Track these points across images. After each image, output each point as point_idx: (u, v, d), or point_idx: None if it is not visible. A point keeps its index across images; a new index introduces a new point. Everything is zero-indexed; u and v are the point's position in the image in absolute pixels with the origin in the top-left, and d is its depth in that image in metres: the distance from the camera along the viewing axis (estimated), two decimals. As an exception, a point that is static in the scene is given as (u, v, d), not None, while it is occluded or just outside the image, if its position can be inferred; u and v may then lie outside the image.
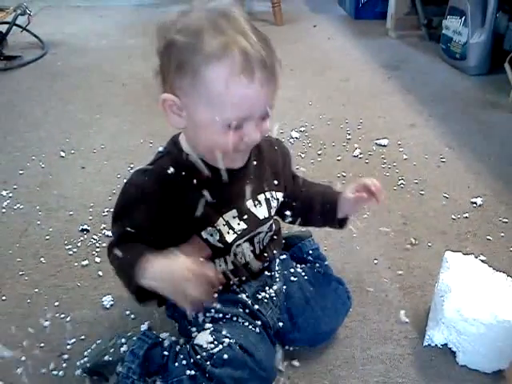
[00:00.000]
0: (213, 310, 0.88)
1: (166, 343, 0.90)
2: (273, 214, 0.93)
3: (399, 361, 0.97)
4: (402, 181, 1.52)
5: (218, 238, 0.85)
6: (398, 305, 1.08)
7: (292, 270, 1.00)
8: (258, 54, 0.70)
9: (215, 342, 0.82)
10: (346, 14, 3.36)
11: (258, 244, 0.92)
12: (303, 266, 1.03)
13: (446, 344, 0.97)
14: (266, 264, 0.96)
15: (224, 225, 0.85)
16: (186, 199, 0.81)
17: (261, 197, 0.90)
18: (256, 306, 0.90)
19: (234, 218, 0.86)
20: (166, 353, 0.88)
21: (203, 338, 0.84)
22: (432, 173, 1.58)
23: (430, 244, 1.26)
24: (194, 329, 0.89)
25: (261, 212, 0.90)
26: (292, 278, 0.99)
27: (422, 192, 1.48)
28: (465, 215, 1.38)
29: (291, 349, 0.98)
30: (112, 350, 0.91)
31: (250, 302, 0.90)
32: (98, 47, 2.71)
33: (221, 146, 0.75)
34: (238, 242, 0.87)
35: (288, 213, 0.97)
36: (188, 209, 0.81)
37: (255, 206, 0.89)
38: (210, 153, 0.78)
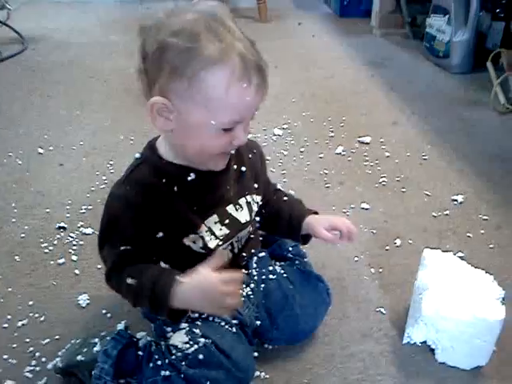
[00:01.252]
0: (189, 312, 0.86)
1: (141, 343, 0.89)
2: (253, 217, 0.92)
3: (378, 358, 0.96)
4: (383, 178, 1.52)
5: (201, 245, 0.84)
6: (377, 302, 1.08)
7: (271, 268, 0.98)
8: (254, 58, 0.71)
9: (190, 342, 0.81)
10: (331, 11, 3.36)
11: (236, 243, 0.91)
12: (282, 263, 1.01)
13: (425, 341, 0.97)
14: (243, 263, 0.95)
15: (206, 231, 0.84)
16: (168, 206, 0.80)
17: (242, 200, 0.89)
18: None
19: (216, 223, 0.85)
20: (140, 353, 0.86)
21: (178, 338, 0.83)
22: (414, 170, 1.58)
23: (410, 241, 1.26)
24: (169, 329, 0.87)
25: (242, 216, 0.89)
26: (271, 276, 0.97)
27: (404, 189, 1.48)
28: (445, 212, 1.38)
29: (270, 347, 0.97)
30: (85, 349, 0.89)
31: None
32: (79, 43, 2.67)
33: (210, 149, 0.76)
34: (222, 247, 0.87)
35: (257, 218, 0.97)
36: (170, 216, 0.80)
37: (236, 210, 0.88)
38: (198, 155, 0.78)
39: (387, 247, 1.24)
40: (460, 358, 0.94)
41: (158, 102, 0.72)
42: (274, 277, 0.97)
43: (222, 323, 0.85)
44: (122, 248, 0.79)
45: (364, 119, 1.90)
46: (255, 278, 0.95)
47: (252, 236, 0.96)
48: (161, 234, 0.80)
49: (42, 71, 2.30)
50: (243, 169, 0.90)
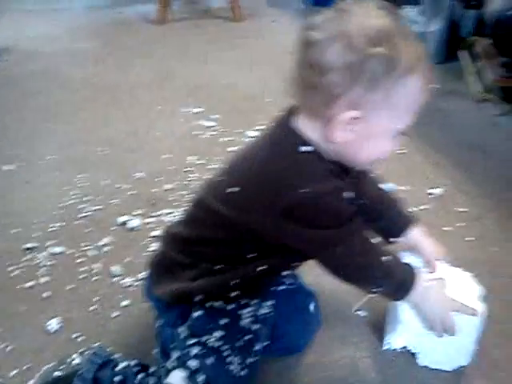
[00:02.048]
0: (213, 338, 0.80)
1: (121, 365, 0.84)
2: None
3: (359, 365, 0.94)
4: (360, 176, 1.49)
5: None
6: (357, 305, 1.05)
7: (283, 279, 0.94)
8: (425, 56, 0.71)
9: None
10: (304, 8, 3.33)
11: None
12: (289, 272, 0.95)
13: (405, 346, 0.95)
14: None
15: None
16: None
17: None
18: (256, 326, 0.84)
19: None
20: (118, 378, 0.82)
21: (176, 381, 0.77)
22: (391, 165, 1.55)
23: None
24: (175, 353, 0.80)
25: None
26: (282, 287, 0.93)
27: (380, 185, 1.45)
28: (423, 206, 1.36)
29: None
30: (63, 366, 0.87)
31: (251, 321, 0.84)
32: (50, 52, 2.61)
33: (383, 154, 0.76)
34: None
35: None
36: None
37: None
38: (367, 161, 0.77)
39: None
40: (442, 359, 0.92)
41: (353, 116, 0.69)
42: (284, 287, 0.93)
43: (233, 365, 0.78)
44: (355, 220, 0.76)
45: (340, 116, 1.87)
46: (271, 290, 0.91)
47: None
48: None
49: (11, 83, 2.24)
50: None
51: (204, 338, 0.79)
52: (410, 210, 1.32)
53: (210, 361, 0.78)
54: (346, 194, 0.77)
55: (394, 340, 0.94)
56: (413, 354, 0.94)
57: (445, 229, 1.27)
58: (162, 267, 0.89)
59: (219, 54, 2.57)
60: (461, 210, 1.35)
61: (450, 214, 1.33)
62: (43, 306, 1.08)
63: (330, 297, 1.07)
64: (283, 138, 0.76)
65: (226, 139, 1.71)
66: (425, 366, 0.93)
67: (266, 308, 0.87)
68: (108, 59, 2.53)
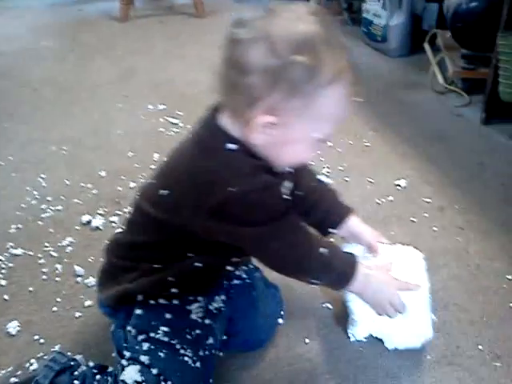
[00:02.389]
0: (160, 332, 0.79)
1: (80, 370, 0.83)
2: None
3: (326, 356, 0.94)
4: (326, 169, 1.50)
5: None
6: (323, 297, 1.05)
7: (237, 273, 0.94)
8: (350, 67, 0.70)
9: None
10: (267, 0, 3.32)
11: None
12: (244, 268, 0.96)
13: (370, 335, 0.95)
14: None
15: None
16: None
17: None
18: (207, 321, 0.83)
19: None
20: (76, 382, 0.80)
21: (131, 375, 0.75)
22: (356, 158, 1.57)
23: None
24: (127, 353, 0.79)
25: None
26: (236, 282, 0.93)
27: (347, 179, 1.46)
28: (389, 198, 1.37)
29: (221, 354, 0.92)
30: (19, 371, 0.85)
31: (201, 316, 0.83)
32: (7, 51, 2.54)
33: (303, 160, 0.78)
34: None
35: None
36: None
37: None
38: (289, 164, 0.77)
39: (331, 239, 1.21)
40: (406, 338, 0.92)
41: (268, 122, 0.68)
42: (240, 282, 0.93)
43: (187, 357, 0.78)
44: (289, 216, 0.75)
45: (305, 110, 1.88)
46: (224, 286, 0.91)
47: None
48: None
49: (-32, 84, 2.18)
50: None
51: (151, 334, 0.79)
52: (378, 201, 1.35)
53: (161, 354, 0.77)
54: (285, 186, 0.79)
55: (356, 331, 0.94)
56: (380, 341, 0.94)
57: (412, 219, 1.28)
58: (106, 274, 0.89)
59: (182, 50, 2.54)
60: (425, 200, 1.36)
61: (415, 205, 1.34)
62: (3, 308, 1.05)
63: (295, 290, 1.07)
64: (209, 137, 0.75)
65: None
66: (395, 349, 0.93)
67: (217, 303, 0.87)
68: (69, 57, 2.48)
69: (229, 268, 0.87)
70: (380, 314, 0.87)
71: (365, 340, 0.95)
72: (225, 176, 0.70)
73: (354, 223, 0.97)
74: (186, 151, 0.77)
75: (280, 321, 0.97)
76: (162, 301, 0.81)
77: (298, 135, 0.71)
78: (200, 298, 0.84)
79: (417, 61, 2.28)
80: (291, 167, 0.80)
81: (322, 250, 0.78)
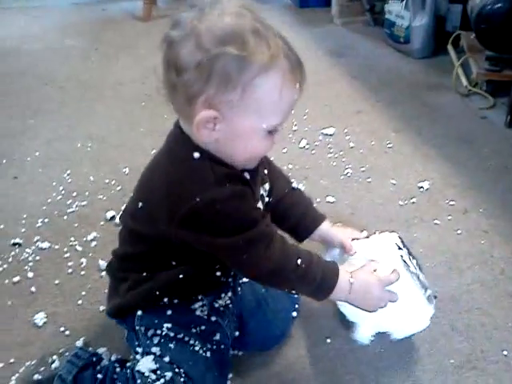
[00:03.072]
0: (165, 329, 0.81)
1: (104, 363, 0.85)
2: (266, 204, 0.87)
3: (347, 356, 0.94)
4: (348, 169, 1.50)
5: None
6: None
7: None
8: (295, 55, 0.70)
9: (158, 372, 0.76)
10: (290, 3, 3.33)
11: None
12: None
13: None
14: None
15: None
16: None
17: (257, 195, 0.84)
18: (213, 318, 0.84)
19: None
20: (99, 376, 0.82)
21: (146, 365, 0.77)
22: (379, 159, 1.56)
23: (377, 233, 1.23)
24: (139, 349, 0.82)
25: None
26: (243, 280, 0.94)
27: (369, 180, 1.46)
28: (412, 200, 1.36)
29: (240, 353, 0.94)
30: (42, 368, 0.86)
31: (206, 313, 0.84)
32: (32, 49, 2.58)
33: (258, 153, 0.74)
34: None
35: None
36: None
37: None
38: (246, 160, 0.74)
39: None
40: (410, 325, 0.91)
41: (209, 116, 0.67)
42: (247, 280, 0.94)
43: (197, 347, 0.80)
44: (261, 225, 0.73)
45: (327, 110, 1.88)
46: (231, 284, 0.91)
47: None
48: None
49: (-5, 81, 2.22)
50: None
51: (158, 331, 0.81)
52: (401, 202, 1.34)
53: (171, 345, 0.79)
54: (265, 188, 0.81)
55: (359, 334, 0.91)
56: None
57: (435, 222, 1.27)
58: (109, 286, 0.92)
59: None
60: (449, 202, 1.35)
61: (438, 207, 1.33)
62: (30, 300, 1.07)
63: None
64: (177, 146, 0.76)
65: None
66: (402, 339, 0.92)
67: (223, 300, 0.87)
68: (93, 56, 2.51)
69: (218, 274, 0.84)
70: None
71: (372, 339, 0.91)
72: (190, 187, 0.70)
73: (324, 228, 0.95)
74: (158, 162, 0.78)
75: (294, 314, 0.96)
76: (164, 300, 0.82)
77: (244, 128, 0.69)
78: (202, 297, 0.84)
79: (440, 62, 2.26)
80: (250, 163, 0.76)
81: (298, 260, 0.75)
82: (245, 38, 0.64)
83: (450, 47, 2.20)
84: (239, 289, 0.92)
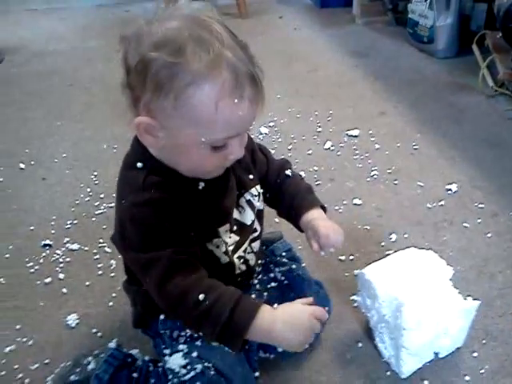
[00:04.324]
0: (188, 330, 0.81)
1: (138, 363, 0.86)
2: (256, 211, 0.86)
3: (380, 362, 0.93)
4: (375, 171, 1.49)
5: (223, 249, 0.79)
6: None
7: (272, 275, 0.95)
8: (246, 67, 0.64)
9: (188, 367, 0.76)
10: (311, 3, 3.32)
11: (249, 254, 0.87)
12: (281, 268, 0.97)
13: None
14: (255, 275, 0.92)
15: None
16: (192, 207, 0.73)
17: (242, 201, 0.83)
18: None
19: (226, 231, 0.80)
20: (135, 375, 0.83)
21: (176, 362, 0.78)
22: (405, 161, 1.55)
23: (406, 236, 1.23)
24: (167, 351, 0.82)
25: (247, 217, 0.83)
26: (272, 284, 0.94)
27: (396, 182, 1.45)
28: (440, 203, 1.35)
29: (271, 356, 0.93)
30: (78, 369, 0.87)
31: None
32: (57, 51, 2.62)
33: (203, 167, 0.71)
34: (236, 255, 0.82)
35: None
36: (195, 216, 0.74)
37: (240, 212, 0.83)
38: (190, 173, 0.73)
39: (383, 243, 1.21)
40: (451, 340, 0.90)
41: (144, 122, 0.66)
42: (276, 284, 0.94)
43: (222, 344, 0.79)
44: (169, 250, 0.70)
45: (351, 111, 1.87)
46: (257, 287, 0.92)
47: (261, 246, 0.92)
48: (192, 234, 0.74)
49: (19, 82, 2.25)
50: (233, 166, 0.80)
51: (182, 333, 0.81)
52: (429, 205, 1.33)
53: (197, 343, 0.79)
54: (252, 193, 0.80)
55: (407, 368, 0.89)
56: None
57: (465, 225, 1.26)
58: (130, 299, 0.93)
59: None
60: (478, 205, 1.33)
61: (467, 210, 1.32)
62: (62, 301, 1.09)
63: (348, 294, 1.06)
64: (131, 152, 0.77)
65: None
66: (444, 357, 0.92)
67: None
68: (116, 57, 2.51)
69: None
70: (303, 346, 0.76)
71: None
72: (122, 192, 0.74)
73: (310, 217, 0.86)
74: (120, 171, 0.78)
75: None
76: None
77: (183, 139, 0.67)
78: None
79: (464, 63, 2.23)
80: (203, 175, 0.74)
81: (200, 296, 0.68)
82: (182, 45, 0.62)
83: (474, 47, 2.17)
84: (265, 293, 0.92)
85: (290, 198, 0.89)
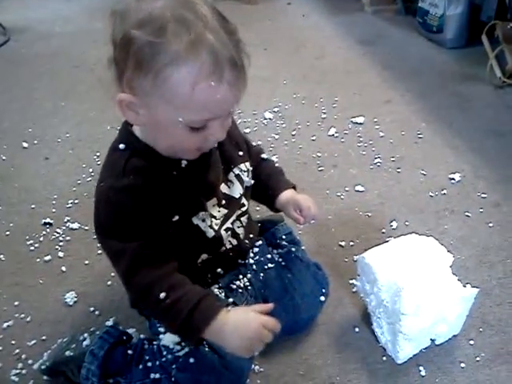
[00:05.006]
0: None
1: (133, 341, 0.87)
2: (245, 186, 0.87)
3: (376, 347, 0.93)
4: (378, 159, 1.48)
5: (209, 223, 0.80)
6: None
7: (269, 257, 0.95)
8: (227, 51, 0.64)
9: (182, 344, 0.77)
10: (320, -10, 3.28)
11: (239, 228, 0.88)
12: (280, 251, 0.98)
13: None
14: (247, 250, 0.92)
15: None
16: (174, 188, 0.74)
17: (231, 175, 0.85)
18: (230, 299, 0.85)
19: (214, 206, 0.81)
20: (130, 352, 0.84)
21: (170, 339, 0.79)
22: (409, 149, 1.54)
23: (407, 223, 1.22)
24: (162, 329, 0.83)
25: (236, 191, 0.85)
26: (269, 265, 0.94)
27: (399, 170, 1.44)
28: (443, 192, 1.34)
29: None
30: (73, 345, 0.87)
31: (223, 294, 0.86)
32: (63, 32, 2.60)
33: (184, 147, 0.71)
34: (224, 227, 0.83)
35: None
36: (178, 197, 0.75)
37: (229, 187, 0.84)
38: (169, 151, 0.73)
39: (383, 230, 1.21)
40: (447, 328, 0.90)
41: (125, 99, 0.67)
42: (273, 265, 0.94)
43: None
44: (136, 243, 0.71)
45: (357, 99, 1.85)
46: (253, 267, 0.92)
47: (250, 222, 0.93)
48: (176, 218, 0.75)
49: (26, 62, 2.24)
50: (223, 141, 0.80)
51: None
52: (431, 193, 1.32)
53: None
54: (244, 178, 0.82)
55: (403, 353, 0.89)
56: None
57: (467, 214, 1.25)
58: None
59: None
60: (481, 195, 1.32)
61: (470, 200, 1.31)
62: (60, 279, 1.09)
63: (347, 279, 1.06)
64: (118, 134, 0.78)
65: (243, 121, 1.69)
66: (441, 344, 0.92)
67: (240, 282, 0.89)
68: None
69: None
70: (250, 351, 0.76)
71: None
72: (103, 174, 0.74)
73: (289, 194, 0.92)
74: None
75: (322, 298, 0.95)
76: None
77: (162, 118, 0.67)
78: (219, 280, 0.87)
79: (473, 53, 2.20)
80: (183, 155, 0.74)
81: (161, 294, 0.70)
82: (163, 25, 0.61)
83: (484, 37, 2.13)
84: (261, 274, 0.92)
85: (266, 178, 0.93)
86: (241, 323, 0.72)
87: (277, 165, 1.00)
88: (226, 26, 0.66)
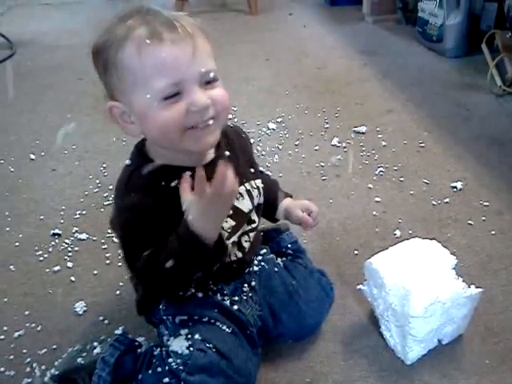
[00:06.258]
0: (190, 314, 0.84)
1: (143, 349, 0.88)
2: (256, 204, 0.89)
3: (382, 354, 0.94)
4: (381, 168, 1.50)
5: None
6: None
7: (273, 264, 0.97)
8: (163, 19, 0.70)
9: (190, 348, 0.79)
10: (321, 0, 3.32)
11: (246, 243, 0.89)
12: (284, 259, 1.00)
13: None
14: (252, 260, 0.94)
15: None
16: (178, 202, 0.74)
17: (241, 189, 0.86)
18: (235, 306, 0.87)
19: None
20: (140, 358, 0.84)
21: (178, 344, 0.81)
22: (411, 158, 1.56)
23: (410, 232, 1.24)
24: (170, 335, 0.84)
25: (244, 205, 0.86)
26: (274, 272, 0.96)
27: (402, 179, 1.45)
28: (445, 200, 1.36)
29: (273, 346, 0.95)
30: (84, 353, 0.89)
31: (227, 302, 0.87)
32: (69, 45, 2.64)
33: (170, 127, 0.71)
34: (230, 240, 0.84)
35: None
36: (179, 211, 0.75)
37: (237, 199, 0.85)
38: (167, 142, 0.74)
39: (387, 238, 1.22)
40: (453, 327, 0.92)
41: (113, 106, 0.74)
42: (277, 273, 0.96)
43: (224, 327, 0.82)
44: (147, 252, 0.74)
45: (359, 109, 1.88)
46: (258, 274, 0.94)
47: (258, 235, 0.95)
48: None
49: (31, 75, 2.28)
50: (236, 155, 0.86)
51: (182, 317, 0.84)
52: (434, 202, 1.34)
53: (200, 326, 0.82)
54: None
55: (413, 354, 0.91)
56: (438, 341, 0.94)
57: (469, 222, 1.27)
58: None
59: (235, 47, 2.56)
60: (483, 203, 1.34)
61: (472, 208, 1.32)
62: (70, 289, 1.11)
63: (353, 286, 1.07)
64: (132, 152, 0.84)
65: (247, 131, 1.71)
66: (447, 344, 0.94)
67: (245, 289, 0.90)
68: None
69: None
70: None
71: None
72: (117, 188, 0.79)
73: (286, 203, 0.98)
74: None
75: (327, 304, 0.97)
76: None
77: (139, 106, 0.71)
78: (223, 286, 0.88)
79: (473, 62, 2.23)
80: (174, 144, 0.74)
81: (167, 264, 0.72)
82: (112, 27, 0.72)
83: (484, 46, 2.16)
84: (266, 282, 0.93)
85: (267, 191, 0.94)
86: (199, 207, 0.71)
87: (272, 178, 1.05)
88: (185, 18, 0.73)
